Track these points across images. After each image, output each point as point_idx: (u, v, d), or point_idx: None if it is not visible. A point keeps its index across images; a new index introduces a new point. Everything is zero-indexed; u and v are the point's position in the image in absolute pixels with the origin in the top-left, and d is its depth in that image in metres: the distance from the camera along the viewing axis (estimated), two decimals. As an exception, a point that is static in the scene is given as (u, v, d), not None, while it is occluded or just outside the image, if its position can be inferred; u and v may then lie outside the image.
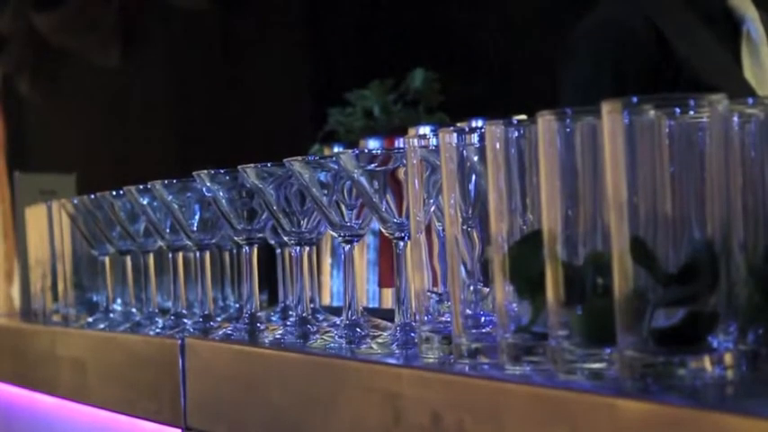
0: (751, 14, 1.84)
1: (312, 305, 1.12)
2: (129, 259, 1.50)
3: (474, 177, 0.83)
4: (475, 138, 0.83)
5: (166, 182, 1.26)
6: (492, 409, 0.74)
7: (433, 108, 1.64)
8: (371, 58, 2.50)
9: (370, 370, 0.88)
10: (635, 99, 0.67)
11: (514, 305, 0.77)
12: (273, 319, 1.24)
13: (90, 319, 1.55)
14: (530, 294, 0.75)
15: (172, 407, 1.20)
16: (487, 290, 0.82)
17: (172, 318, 1.34)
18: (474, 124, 1.34)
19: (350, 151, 0.96)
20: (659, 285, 0.66)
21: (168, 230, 1.33)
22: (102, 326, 1.48)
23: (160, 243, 1.39)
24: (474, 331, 0.82)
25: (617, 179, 0.67)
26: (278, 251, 1.32)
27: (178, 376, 1.18)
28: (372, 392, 0.86)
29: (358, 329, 1.00)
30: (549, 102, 0.85)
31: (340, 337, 1.00)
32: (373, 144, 1.45)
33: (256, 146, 2.61)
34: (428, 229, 0.89)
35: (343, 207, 1.01)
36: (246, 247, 1.19)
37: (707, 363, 0.66)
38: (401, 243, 0.95)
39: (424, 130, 1.42)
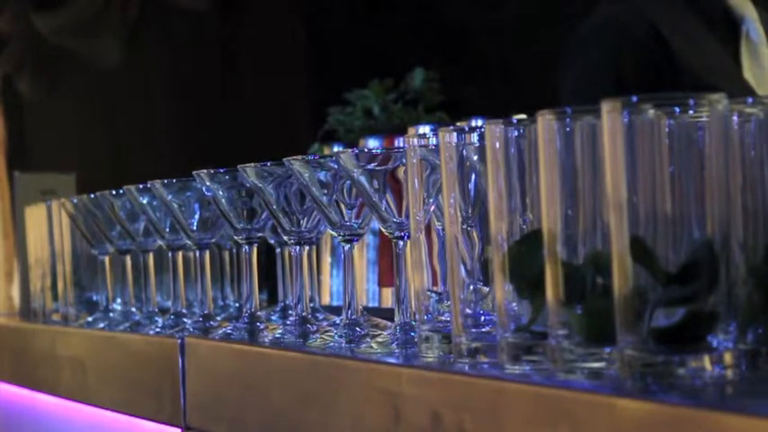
0: (750, 14, 1.84)
1: (312, 304, 1.12)
2: (128, 258, 1.50)
3: (474, 177, 0.84)
4: (474, 137, 0.83)
5: (166, 181, 1.26)
6: (492, 409, 0.74)
7: (432, 107, 1.64)
8: (371, 58, 2.50)
9: (369, 369, 0.88)
10: (635, 98, 0.67)
11: (514, 304, 0.77)
12: (273, 318, 1.24)
13: (90, 319, 1.56)
14: (529, 294, 0.75)
15: (172, 406, 1.20)
16: (487, 289, 0.82)
17: (171, 317, 1.34)
18: (474, 124, 1.35)
19: (350, 150, 0.96)
20: (659, 285, 0.66)
21: (168, 230, 1.33)
22: (101, 325, 1.48)
23: (160, 242, 1.40)
24: (474, 331, 0.82)
25: (617, 179, 0.67)
26: (278, 250, 1.33)
27: (178, 376, 1.18)
28: (372, 392, 0.86)
29: (358, 329, 1.00)
30: (550, 101, 0.85)
31: (340, 336, 1.00)
32: (373, 143, 1.46)
33: (256, 145, 2.63)
34: (428, 229, 0.89)
35: (342, 206, 1.01)
36: (246, 247, 1.19)
37: (706, 362, 0.66)
38: (401, 242, 0.95)
39: (424, 129, 1.42)
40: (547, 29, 2.38)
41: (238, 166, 1.10)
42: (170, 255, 1.36)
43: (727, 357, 0.66)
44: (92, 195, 1.50)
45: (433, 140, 0.88)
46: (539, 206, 0.74)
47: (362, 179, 0.94)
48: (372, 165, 0.94)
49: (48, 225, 1.77)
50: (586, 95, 1.13)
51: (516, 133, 0.77)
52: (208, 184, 1.17)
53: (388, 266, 1.42)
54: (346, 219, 1.01)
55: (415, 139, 0.90)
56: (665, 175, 0.67)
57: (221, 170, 1.16)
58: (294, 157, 1.01)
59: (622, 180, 0.67)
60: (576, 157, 0.72)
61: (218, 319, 1.29)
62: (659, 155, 0.67)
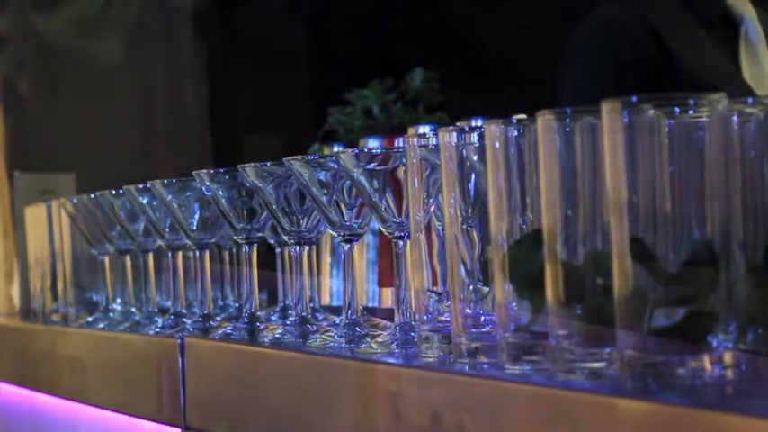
0: (749, 14, 1.84)
1: (312, 304, 1.12)
2: (128, 259, 1.51)
3: (474, 177, 0.84)
4: (474, 137, 0.83)
5: (166, 181, 1.27)
6: (492, 409, 0.74)
7: (432, 107, 1.65)
8: (371, 58, 2.52)
9: (369, 369, 0.88)
10: (634, 98, 0.67)
11: (514, 304, 0.77)
12: (273, 318, 1.25)
13: (90, 319, 1.57)
14: (529, 294, 0.75)
15: (172, 406, 1.20)
16: (487, 289, 0.82)
17: (171, 317, 1.34)
18: (474, 124, 1.35)
19: (350, 150, 0.97)
20: (659, 285, 0.66)
21: (168, 230, 1.34)
22: (101, 325, 1.49)
23: (160, 242, 1.40)
24: (474, 330, 0.82)
25: (616, 179, 0.67)
26: (278, 250, 1.33)
27: (178, 376, 1.19)
28: (372, 392, 0.86)
29: (357, 329, 1.00)
30: (550, 101, 0.85)
31: (340, 336, 1.00)
32: (373, 143, 1.47)
33: (256, 145, 2.62)
34: (428, 229, 0.89)
35: (342, 206, 1.01)
36: (246, 247, 1.19)
37: (706, 362, 0.66)
38: (401, 242, 0.95)
39: (424, 129, 1.42)
40: (547, 29, 2.39)
41: (238, 166, 1.11)
42: (170, 255, 1.37)
43: (727, 357, 0.66)
44: (92, 195, 1.51)
45: (432, 140, 0.88)
46: (539, 206, 0.74)
47: (362, 179, 0.95)
48: (372, 165, 0.94)
49: (48, 225, 1.79)
50: (586, 95, 1.13)
51: (516, 133, 0.77)
52: (207, 184, 1.17)
53: (388, 266, 1.42)
54: (346, 219, 1.01)
55: (415, 139, 0.90)
56: (665, 175, 0.67)
57: (221, 170, 1.17)
58: (294, 157, 1.01)
59: (622, 180, 0.67)
60: (575, 157, 0.72)
61: (218, 319, 1.30)
62: (659, 155, 0.67)
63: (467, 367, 0.81)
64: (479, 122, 1.30)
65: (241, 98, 2.91)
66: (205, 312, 1.27)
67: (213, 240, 1.29)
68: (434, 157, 0.87)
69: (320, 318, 1.16)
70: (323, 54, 2.88)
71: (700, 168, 0.67)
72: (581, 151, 0.72)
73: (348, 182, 0.98)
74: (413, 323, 0.93)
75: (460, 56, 2.65)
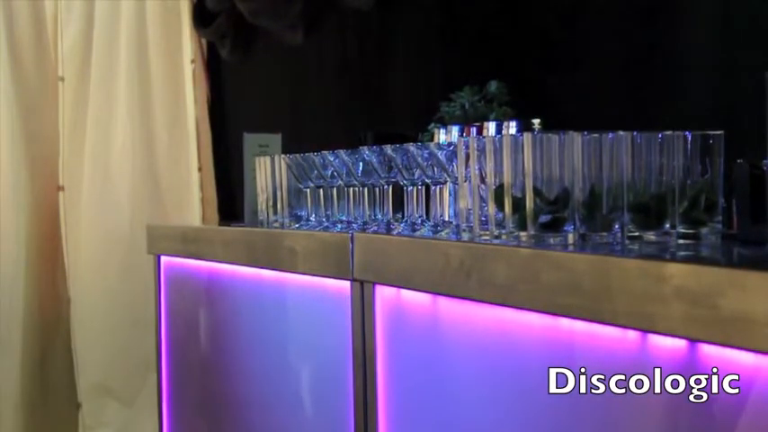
0: None
1: (420, 217, 2.09)
2: (321, 191, 2.24)
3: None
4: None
5: (347, 150, 2.15)
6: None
7: (501, 104, 2.31)
8: (466, 72, 2.78)
9: (445, 244, 1.86)
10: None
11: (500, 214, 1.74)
12: (401, 226, 2.18)
13: (296, 225, 2.37)
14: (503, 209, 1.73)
15: (344, 270, 2.05)
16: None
17: (345, 224, 2.22)
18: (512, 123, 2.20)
19: (432, 143, 1.93)
20: (543, 204, 1.63)
21: (345, 175, 2.20)
22: (305, 228, 2.30)
23: (340, 182, 2.22)
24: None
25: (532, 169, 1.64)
26: (406, 188, 2.26)
27: (348, 254, 2.05)
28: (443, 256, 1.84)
29: (439, 227, 1.99)
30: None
31: (428, 230, 1.99)
32: (454, 130, 2.31)
33: (400, 118, 3.09)
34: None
35: (428, 169, 1.98)
36: (386, 186, 2.15)
37: (565, 237, 1.62)
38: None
39: (492, 124, 2.27)
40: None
41: (383, 146, 2.04)
42: (345, 189, 2.21)
43: (570, 237, 1.63)
44: (302, 155, 2.27)
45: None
46: (522, 177, 1.70)
47: (443, 158, 1.92)
48: (443, 151, 1.92)
49: (272, 169, 2.41)
50: None
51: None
52: (367, 152, 2.15)
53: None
54: (431, 174, 1.99)
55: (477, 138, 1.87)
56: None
57: (375, 147, 2.11)
58: (409, 143, 1.98)
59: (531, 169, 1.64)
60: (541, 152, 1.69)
61: (371, 226, 2.17)
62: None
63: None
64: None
65: (391, 78, 3.19)
66: (364, 221, 2.17)
67: (370, 182, 2.12)
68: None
69: (425, 224, 2.11)
70: (435, 65, 3.06)
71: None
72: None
73: (431, 158, 1.95)
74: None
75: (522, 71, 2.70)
